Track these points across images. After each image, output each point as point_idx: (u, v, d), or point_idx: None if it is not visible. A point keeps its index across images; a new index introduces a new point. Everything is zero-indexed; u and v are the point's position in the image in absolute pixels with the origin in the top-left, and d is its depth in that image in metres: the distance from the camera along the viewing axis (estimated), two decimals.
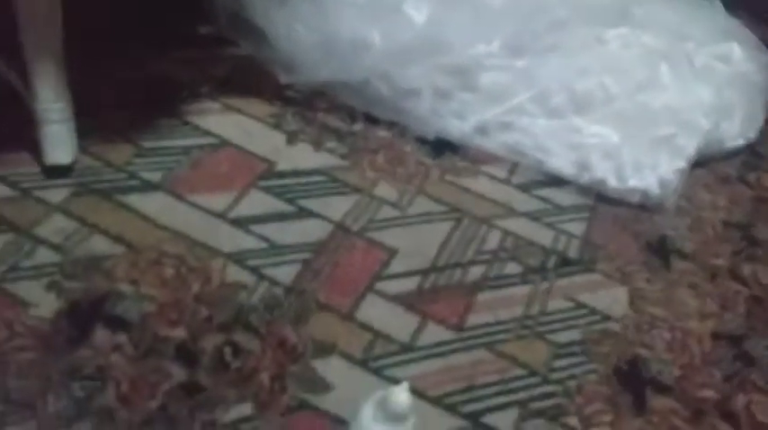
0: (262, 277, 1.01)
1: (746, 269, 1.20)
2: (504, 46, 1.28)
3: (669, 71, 1.35)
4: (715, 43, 1.44)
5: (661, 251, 1.20)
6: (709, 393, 1.01)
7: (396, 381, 0.79)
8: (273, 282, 1.00)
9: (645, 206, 1.26)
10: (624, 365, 1.03)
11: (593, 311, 1.09)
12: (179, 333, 0.91)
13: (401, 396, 0.77)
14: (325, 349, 0.94)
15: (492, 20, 1.27)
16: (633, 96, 1.33)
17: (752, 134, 1.43)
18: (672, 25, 1.43)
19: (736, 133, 1.40)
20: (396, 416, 0.77)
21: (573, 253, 1.17)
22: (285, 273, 1.02)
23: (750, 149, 1.43)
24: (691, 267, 1.18)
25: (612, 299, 1.11)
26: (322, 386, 0.89)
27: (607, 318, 1.08)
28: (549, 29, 1.31)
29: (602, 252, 1.18)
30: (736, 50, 1.44)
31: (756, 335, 1.10)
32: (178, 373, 0.87)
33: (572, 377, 0.99)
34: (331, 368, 0.91)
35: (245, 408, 0.85)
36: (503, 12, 1.27)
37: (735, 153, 1.41)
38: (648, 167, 1.27)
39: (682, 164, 1.29)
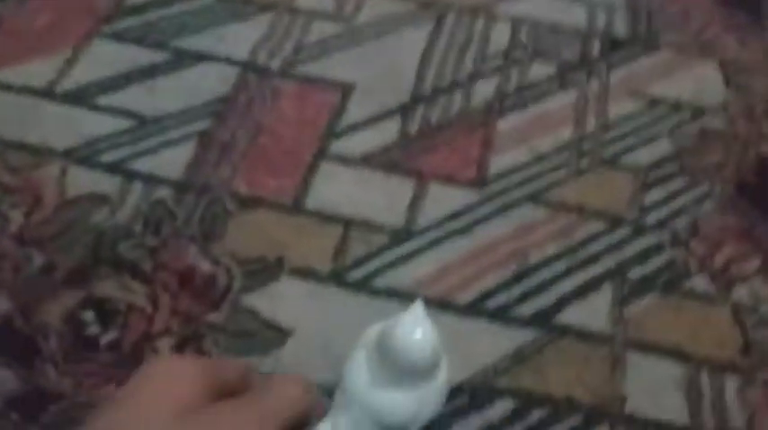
0: (131, 177, 0.59)
1: None
2: None
3: None
4: None
5: None
6: None
7: (398, 299, 0.52)
8: (154, 181, 0.59)
9: None
10: (750, 176, 0.64)
11: (678, 106, 0.68)
12: None
13: (416, 334, 0.39)
14: (265, 272, 0.54)
15: None
16: None
17: None
18: None
19: None
20: (412, 369, 0.40)
21: (621, 28, 0.75)
22: (171, 163, 0.60)
23: None
24: None
25: (699, 81, 0.71)
26: (271, 336, 0.50)
27: (700, 111, 0.68)
28: None
29: (663, 17, 0.76)
30: None
31: None
32: (4, 381, 0.47)
33: (678, 213, 0.60)
34: (282, 300, 0.52)
35: None
36: None
37: None
38: None
39: None
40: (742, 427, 0.48)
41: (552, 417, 0.48)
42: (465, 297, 0.54)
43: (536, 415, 0.48)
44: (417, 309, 0.41)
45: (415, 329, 0.39)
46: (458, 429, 0.47)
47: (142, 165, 0.60)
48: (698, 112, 0.68)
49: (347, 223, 0.57)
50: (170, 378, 0.32)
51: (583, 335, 0.52)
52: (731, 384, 0.51)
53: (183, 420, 0.30)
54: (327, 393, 0.41)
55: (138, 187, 0.58)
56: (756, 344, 0.53)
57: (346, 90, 0.67)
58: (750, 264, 0.58)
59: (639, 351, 0.52)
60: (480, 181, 0.61)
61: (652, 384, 0.50)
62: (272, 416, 0.32)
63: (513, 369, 0.50)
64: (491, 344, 0.51)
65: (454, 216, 0.59)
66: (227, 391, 0.34)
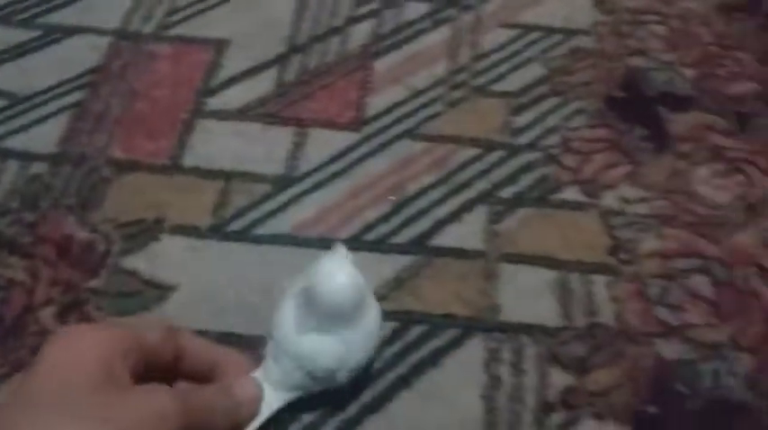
0: (5, 156, 0.59)
1: None
2: None
3: None
4: None
5: None
6: (743, 87, 0.67)
7: (280, 244, 0.54)
8: (28, 158, 0.59)
9: None
10: (618, 91, 0.67)
11: (549, 30, 0.70)
12: None
13: (337, 277, 0.41)
14: (144, 233, 0.55)
15: None
16: None
17: None
18: None
19: None
20: (335, 313, 0.42)
21: None
22: (46, 138, 0.60)
23: None
24: None
25: (569, 5, 0.73)
26: (153, 294, 0.51)
27: (571, 33, 0.70)
28: None
29: None
30: None
31: None
32: None
33: (550, 132, 0.63)
34: (162, 258, 0.53)
35: None
36: None
37: None
38: None
39: None
40: (611, 320, 0.52)
41: (431, 332, 0.50)
42: (346, 233, 0.55)
43: (415, 332, 0.50)
44: (339, 252, 0.42)
45: (336, 273, 0.41)
46: None
47: (16, 142, 0.59)
48: (568, 35, 0.70)
49: (227, 177, 0.58)
50: (84, 348, 0.33)
51: (458, 254, 0.54)
52: (600, 282, 0.54)
53: (98, 396, 0.31)
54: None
55: (12, 165, 0.58)
56: (623, 243, 0.56)
57: (221, 47, 0.67)
58: (618, 171, 0.61)
59: (513, 262, 0.54)
60: (359, 122, 0.63)
61: (525, 292, 0.53)
62: (183, 414, 0.34)
63: (393, 294, 0.52)
64: (372, 273, 0.53)
65: (334, 159, 0.60)
66: (155, 357, 0.35)
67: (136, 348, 0.35)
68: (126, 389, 0.33)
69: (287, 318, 0.43)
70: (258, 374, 0.43)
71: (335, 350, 0.43)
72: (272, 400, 0.43)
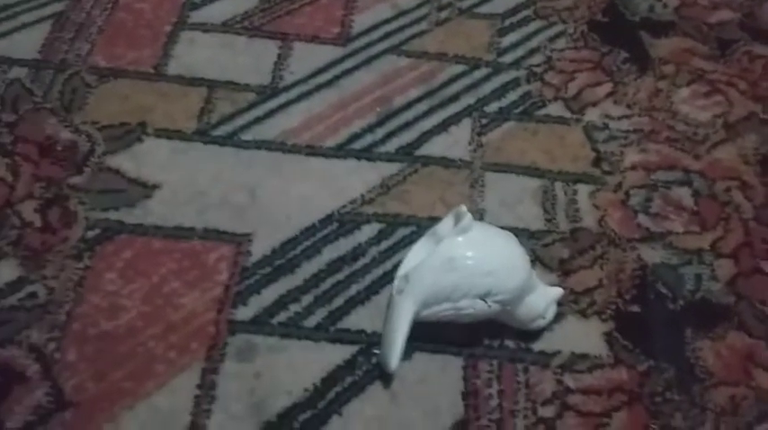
0: None
1: None
2: None
3: None
4: None
5: None
6: (724, 15, 0.68)
7: (266, 149, 0.53)
8: (8, 63, 0.57)
9: None
10: (600, 15, 0.67)
11: None
12: None
13: None
14: (128, 135, 0.54)
15: None
16: None
17: None
18: None
19: None
20: None
21: None
22: (26, 45, 0.59)
23: None
24: None
25: None
26: (137, 191, 0.51)
27: None
28: None
29: None
30: None
31: None
32: None
33: (534, 52, 0.63)
34: (147, 158, 0.52)
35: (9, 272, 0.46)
36: None
37: None
38: None
39: None
40: (594, 226, 0.52)
41: (417, 233, 0.50)
42: (333, 141, 0.55)
43: (400, 233, 0.50)
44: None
45: None
46: (328, 254, 0.49)
47: None
48: None
49: (211, 85, 0.57)
50: None
51: (444, 163, 0.55)
52: (583, 191, 0.54)
53: None
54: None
55: None
56: (606, 156, 0.57)
57: None
58: (601, 89, 0.62)
59: (497, 171, 0.54)
60: (344, 38, 0.62)
61: (509, 198, 0.53)
62: None
63: (380, 198, 0.52)
64: (359, 179, 0.53)
65: (320, 71, 0.60)
66: None
67: None
68: None
69: None
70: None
71: None
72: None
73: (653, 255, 0.52)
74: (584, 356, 0.46)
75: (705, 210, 0.55)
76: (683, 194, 0.55)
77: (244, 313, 0.46)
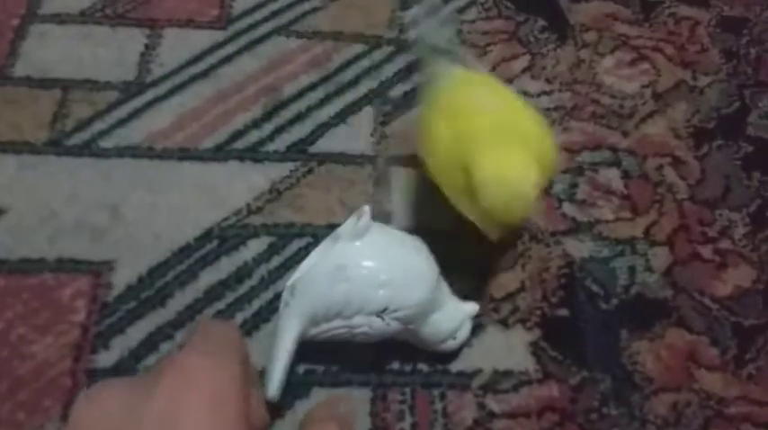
0: None
1: None
2: None
3: None
4: None
5: None
6: None
7: (131, 156, 0.46)
8: None
9: None
10: None
11: None
12: None
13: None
14: None
15: None
16: None
17: None
18: None
19: None
20: None
21: None
22: None
23: None
24: None
25: None
26: None
27: None
28: None
29: None
30: None
31: None
32: None
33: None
34: None
35: None
36: None
37: None
38: None
39: None
40: None
41: (312, 246, 0.43)
42: (210, 141, 0.48)
43: (295, 245, 0.44)
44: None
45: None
46: (206, 278, 0.42)
47: None
48: None
49: (66, 85, 0.49)
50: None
51: (344, 160, 0.48)
52: None
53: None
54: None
55: None
56: None
57: None
58: (518, 63, 0.55)
59: (405, 166, 0.48)
60: (224, 20, 0.55)
61: (418, 197, 0.47)
62: None
63: (269, 206, 0.45)
64: (243, 184, 0.46)
65: (195, 60, 0.52)
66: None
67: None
68: None
69: None
70: None
71: None
72: None
73: (581, 248, 0.46)
74: (508, 373, 0.41)
75: (636, 192, 0.49)
76: (612, 176, 0.50)
77: (106, 359, 0.39)
